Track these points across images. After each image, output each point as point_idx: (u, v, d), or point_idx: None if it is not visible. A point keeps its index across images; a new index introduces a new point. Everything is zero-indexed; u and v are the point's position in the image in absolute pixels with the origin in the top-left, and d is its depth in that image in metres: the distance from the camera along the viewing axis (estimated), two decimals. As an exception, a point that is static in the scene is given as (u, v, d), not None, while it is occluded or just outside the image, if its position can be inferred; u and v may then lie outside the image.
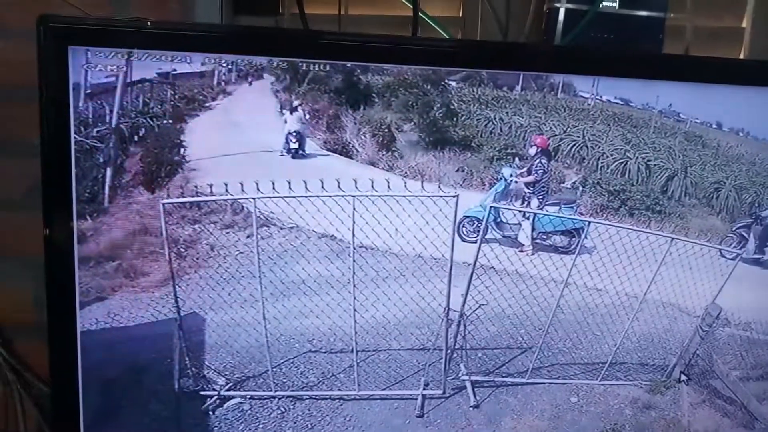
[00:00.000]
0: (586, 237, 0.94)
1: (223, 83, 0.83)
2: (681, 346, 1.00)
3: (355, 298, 0.90)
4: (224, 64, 0.81)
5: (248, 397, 0.92)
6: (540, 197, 0.94)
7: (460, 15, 1.30)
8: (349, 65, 0.84)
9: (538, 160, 0.92)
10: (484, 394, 0.96)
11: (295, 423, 0.92)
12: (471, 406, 0.96)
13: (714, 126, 0.94)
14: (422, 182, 0.89)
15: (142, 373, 0.88)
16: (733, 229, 0.98)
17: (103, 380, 0.86)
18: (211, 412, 0.91)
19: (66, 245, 0.81)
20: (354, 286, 0.90)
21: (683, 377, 1.01)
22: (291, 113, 0.87)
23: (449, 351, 0.95)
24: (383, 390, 0.94)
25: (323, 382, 0.93)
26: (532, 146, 0.92)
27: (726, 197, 0.96)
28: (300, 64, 0.82)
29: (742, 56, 1.31)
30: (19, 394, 1.19)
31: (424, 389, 0.95)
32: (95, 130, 0.80)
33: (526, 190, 0.93)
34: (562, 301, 0.95)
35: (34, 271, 1.15)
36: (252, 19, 1.17)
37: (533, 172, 0.92)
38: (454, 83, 0.88)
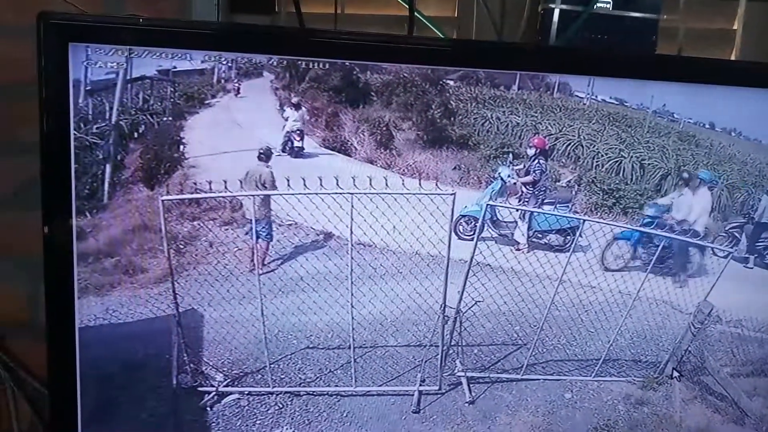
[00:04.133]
0: (581, 235, 0.96)
1: (223, 81, 0.83)
2: (673, 343, 1.01)
3: (352, 294, 0.91)
4: (224, 62, 0.82)
5: (246, 393, 0.93)
6: (538, 197, 0.95)
7: (455, 15, 1.31)
8: (347, 63, 0.85)
9: (536, 161, 0.93)
10: (479, 390, 0.97)
11: (292, 419, 0.93)
12: (466, 402, 0.97)
13: (707, 126, 0.95)
14: (420, 180, 0.90)
15: (140, 370, 0.88)
16: (726, 228, 0.99)
17: (101, 376, 0.86)
18: (208, 408, 0.91)
19: (65, 241, 0.80)
20: (352, 282, 0.91)
21: (675, 374, 1.02)
22: (296, 110, 0.88)
23: (445, 347, 0.96)
24: (380, 386, 0.95)
25: (321, 378, 0.94)
26: (530, 147, 0.93)
27: (718, 196, 0.98)
28: (299, 62, 0.83)
29: (733, 58, 1.33)
30: (12, 392, 1.19)
31: (420, 385, 0.96)
32: (95, 126, 0.80)
33: (525, 190, 0.94)
34: (557, 299, 0.96)
35: (28, 269, 1.15)
36: (248, 17, 1.18)
37: (532, 172, 0.93)
38: (451, 82, 0.89)
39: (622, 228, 0.96)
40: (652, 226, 0.96)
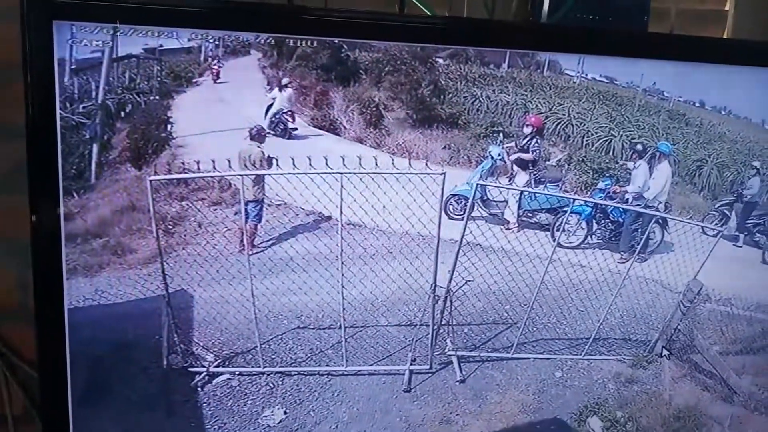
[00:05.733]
0: (570, 214, 0.96)
1: (210, 59, 0.83)
2: (663, 322, 1.01)
3: (343, 274, 0.91)
4: (211, 40, 0.81)
5: (237, 373, 0.93)
6: (533, 175, 0.95)
7: (447, -4, 1.30)
8: (336, 41, 0.84)
9: (534, 140, 0.93)
10: (470, 369, 0.98)
11: (283, 398, 0.93)
12: (457, 381, 0.97)
13: (697, 104, 0.95)
14: (410, 160, 0.90)
15: (131, 351, 0.88)
16: (716, 206, 0.99)
17: (91, 358, 0.86)
18: (199, 389, 0.92)
19: (52, 221, 0.80)
20: (342, 263, 0.91)
21: (665, 352, 1.03)
22: (281, 91, 0.87)
23: (436, 327, 0.96)
24: (371, 365, 0.95)
25: (311, 358, 0.94)
26: (527, 126, 0.93)
27: (708, 175, 0.98)
28: (287, 40, 0.82)
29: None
30: (4, 376, 1.19)
31: (411, 364, 0.96)
32: (81, 105, 0.80)
33: (520, 169, 0.94)
34: (547, 278, 0.96)
35: (18, 254, 1.14)
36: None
37: (531, 151, 0.93)
38: (441, 60, 0.89)
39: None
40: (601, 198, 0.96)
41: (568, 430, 1.00)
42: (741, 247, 1.01)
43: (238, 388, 0.93)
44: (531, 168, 0.94)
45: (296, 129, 0.89)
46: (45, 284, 0.81)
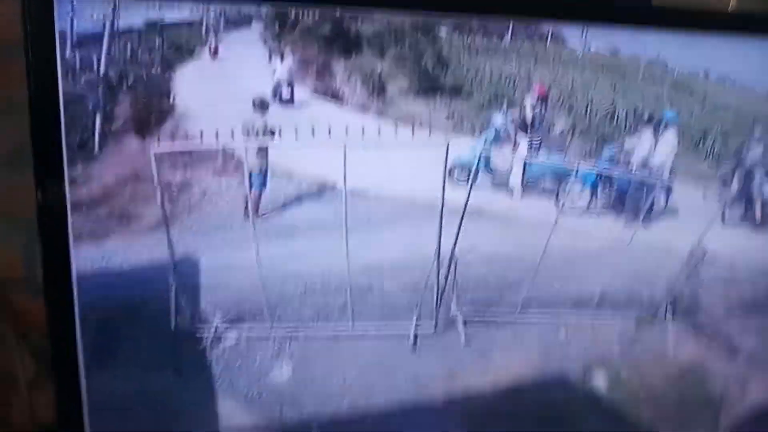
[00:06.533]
0: (575, 181, 0.96)
1: (212, 31, 0.82)
2: (668, 284, 1.02)
3: (347, 243, 0.92)
4: (212, 11, 0.80)
5: (245, 335, 0.95)
6: (535, 144, 0.95)
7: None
8: (337, 11, 0.83)
9: (538, 109, 0.93)
10: (474, 331, 0.99)
11: (291, 359, 0.95)
12: (462, 343, 0.99)
13: (702, 74, 0.94)
14: (413, 129, 0.90)
15: (139, 314, 0.90)
16: (718, 174, 0.99)
17: (100, 322, 0.87)
18: (208, 350, 0.93)
19: (58, 190, 0.80)
20: (346, 230, 0.92)
21: (669, 314, 1.04)
22: (282, 61, 0.87)
23: (441, 291, 0.97)
24: (377, 327, 0.97)
25: (318, 320, 0.96)
26: (532, 94, 0.92)
27: (712, 143, 0.97)
28: (289, 11, 0.81)
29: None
30: (17, 344, 1.21)
31: (416, 326, 0.98)
32: (83, 78, 0.80)
33: (521, 132, 0.94)
34: (551, 243, 0.97)
35: (24, 229, 1.15)
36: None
37: (532, 116, 0.93)
38: (444, 30, 0.88)
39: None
40: (608, 166, 0.96)
41: (572, 389, 1.02)
42: (744, 212, 1.02)
43: (246, 349, 0.95)
44: (530, 132, 0.94)
45: (294, 99, 0.89)
46: (52, 252, 0.82)
